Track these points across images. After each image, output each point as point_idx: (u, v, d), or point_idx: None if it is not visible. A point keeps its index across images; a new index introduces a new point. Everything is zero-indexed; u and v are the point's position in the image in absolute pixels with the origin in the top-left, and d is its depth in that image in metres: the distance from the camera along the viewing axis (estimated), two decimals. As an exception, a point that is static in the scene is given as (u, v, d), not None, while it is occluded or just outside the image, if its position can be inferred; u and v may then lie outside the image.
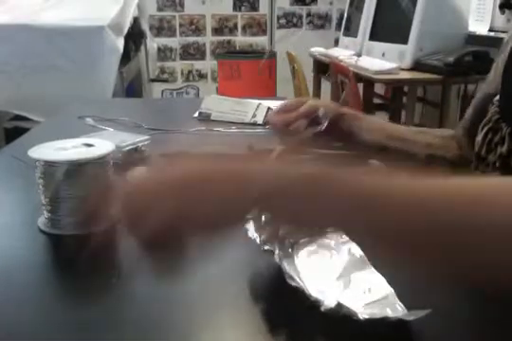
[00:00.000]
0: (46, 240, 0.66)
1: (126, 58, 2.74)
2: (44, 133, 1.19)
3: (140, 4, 3.17)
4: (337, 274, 0.54)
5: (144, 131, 1.10)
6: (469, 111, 0.82)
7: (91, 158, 0.65)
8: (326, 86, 3.41)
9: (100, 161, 0.66)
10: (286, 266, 0.51)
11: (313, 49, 3.52)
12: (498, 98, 0.70)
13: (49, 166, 0.65)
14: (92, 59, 2.48)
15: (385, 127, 0.84)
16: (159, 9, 4.44)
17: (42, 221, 0.68)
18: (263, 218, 0.57)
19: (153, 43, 3.66)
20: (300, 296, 0.47)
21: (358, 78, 2.58)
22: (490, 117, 0.70)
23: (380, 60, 2.74)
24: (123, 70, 2.70)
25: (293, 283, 0.48)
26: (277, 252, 0.52)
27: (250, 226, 0.55)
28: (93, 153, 0.66)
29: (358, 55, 3.05)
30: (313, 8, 4.62)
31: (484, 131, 0.71)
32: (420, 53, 2.55)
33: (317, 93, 3.63)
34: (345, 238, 0.60)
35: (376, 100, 2.88)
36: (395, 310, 0.47)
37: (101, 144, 0.69)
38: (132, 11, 2.88)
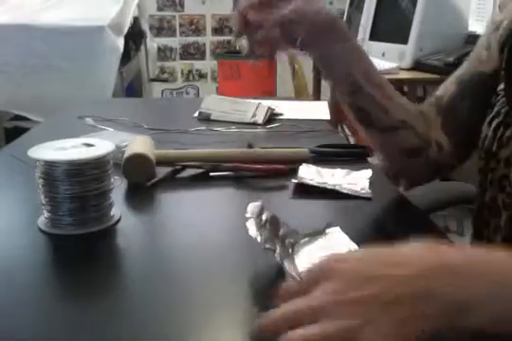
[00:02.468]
0: (46, 240, 0.66)
1: (126, 58, 2.75)
2: (44, 133, 1.19)
3: (140, 4, 3.17)
4: None
5: (144, 131, 1.10)
6: (451, 87, 0.75)
7: (91, 158, 0.65)
8: (326, 86, 3.41)
9: (100, 161, 0.66)
10: (287, 266, 0.51)
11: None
12: (502, 87, 0.66)
13: (49, 166, 0.65)
14: (92, 59, 2.48)
15: (368, 64, 0.74)
16: (159, 9, 4.44)
17: (42, 220, 0.68)
18: (263, 217, 0.57)
19: (153, 43, 3.66)
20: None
21: (358, 78, 2.58)
22: (499, 110, 0.66)
23: (380, 60, 2.74)
24: (123, 70, 2.70)
25: (296, 277, 0.48)
26: (278, 251, 0.52)
27: (251, 225, 0.55)
28: (93, 153, 0.66)
29: (358, 55, 3.05)
30: (313, 8, 4.61)
31: (494, 125, 0.66)
32: (420, 53, 2.55)
33: (317, 93, 3.63)
34: (345, 238, 0.60)
35: (376, 100, 2.88)
36: None
37: (101, 144, 0.69)
38: (132, 11, 2.89)
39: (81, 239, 0.66)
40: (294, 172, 0.84)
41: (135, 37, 2.98)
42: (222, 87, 3.88)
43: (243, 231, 0.54)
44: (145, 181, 0.82)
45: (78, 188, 0.65)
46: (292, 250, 0.58)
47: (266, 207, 0.58)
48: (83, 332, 0.47)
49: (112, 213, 0.70)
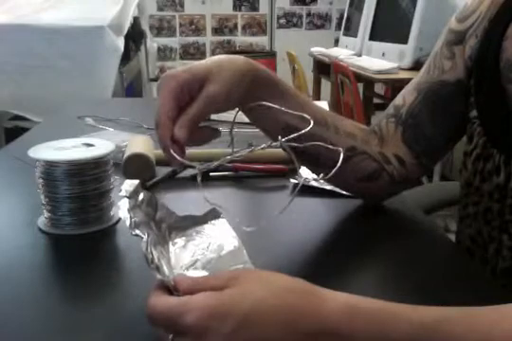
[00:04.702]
0: (46, 240, 0.66)
1: (126, 58, 2.75)
2: (44, 133, 1.19)
3: (140, 4, 3.17)
4: (209, 265, 0.51)
5: (144, 131, 1.10)
6: (410, 96, 0.71)
7: (91, 158, 0.65)
8: (326, 86, 3.41)
9: (100, 161, 0.66)
10: (154, 254, 0.45)
11: (313, 49, 3.52)
12: (475, 115, 0.65)
13: (49, 166, 0.65)
14: (92, 59, 2.48)
15: (301, 104, 0.64)
16: (159, 9, 4.45)
17: (42, 221, 0.68)
18: (140, 196, 0.51)
19: (153, 43, 3.66)
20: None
21: (358, 78, 2.58)
22: (477, 141, 0.65)
23: (380, 59, 2.74)
24: (123, 70, 2.70)
25: (157, 276, 0.43)
26: (145, 239, 0.45)
27: (124, 205, 0.48)
28: (93, 153, 0.66)
29: (358, 55, 3.05)
30: (313, 8, 4.63)
31: (473, 157, 0.65)
32: (420, 53, 2.55)
33: (317, 93, 3.63)
34: (229, 230, 0.55)
35: (376, 100, 2.88)
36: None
37: (101, 144, 0.69)
38: (132, 11, 2.89)
39: (81, 239, 0.66)
40: (294, 172, 0.84)
41: (135, 37, 2.98)
42: (222, 87, 3.87)
43: (242, 230, 0.54)
44: (145, 181, 0.82)
45: (78, 188, 0.65)
46: (169, 235, 0.53)
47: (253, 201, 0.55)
48: (83, 331, 0.47)
49: (112, 213, 0.70)
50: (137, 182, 0.52)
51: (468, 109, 0.66)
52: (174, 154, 0.54)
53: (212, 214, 0.58)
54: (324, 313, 0.37)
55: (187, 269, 0.51)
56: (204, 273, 0.50)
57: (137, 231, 0.46)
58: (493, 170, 0.63)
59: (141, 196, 0.52)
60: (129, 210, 0.47)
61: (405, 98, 0.72)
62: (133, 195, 0.50)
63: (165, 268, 0.46)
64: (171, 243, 0.53)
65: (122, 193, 0.49)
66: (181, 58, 4.53)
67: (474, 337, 0.37)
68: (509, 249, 0.62)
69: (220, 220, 0.57)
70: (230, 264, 0.51)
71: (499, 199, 0.62)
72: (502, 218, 0.62)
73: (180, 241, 0.54)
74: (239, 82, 0.57)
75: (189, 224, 0.56)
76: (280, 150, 0.92)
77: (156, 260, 0.45)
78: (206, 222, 0.57)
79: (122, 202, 0.48)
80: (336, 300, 0.39)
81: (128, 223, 0.46)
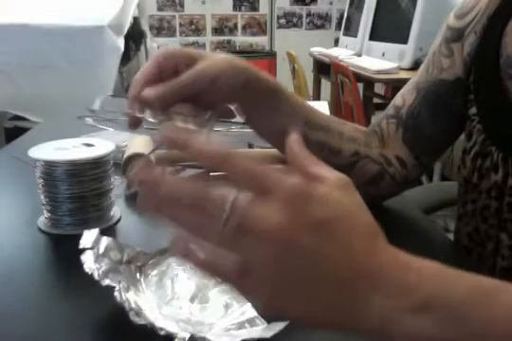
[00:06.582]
0: (46, 239, 0.66)
1: (126, 58, 2.75)
2: (44, 133, 1.19)
3: (140, 4, 3.17)
4: (190, 294, 0.51)
5: (144, 131, 1.10)
6: (409, 96, 0.70)
7: (91, 158, 0.65)
8: (326, 86, 3.41)
9: (100, 161, 0.66)
10: (131, 300, 0.45)
11: (313, 49, 3.52)
12: (474, 112, 0.64)
13: (49, 166, 0.65)
14: (92, 59, 2.48)
15: (305, 111, 0.64)
16: (159, 9, 4.45)
17: (42, 220, 0.68)
18: (101, 245, 0.52)
19: (153, 43, 3.66)
20: (149, 333, 0.44)
21: (358, 78, 2.58)
22: (476, 139, 0.65)
23: (380, 59, 2.74)
24: (123, 70, 2.70)
25: (139, 321, 0.44)
26: (118, 287, 0.46)
27: (88, 258, 0.49)
28: (93, 153, 0.66)
29: (358, 55, 3.05)
30: (313, 8, 4.63)
31: (472, 155, 0.65)
32: (420, 53, 2.55)
33: (317, 93, 3.63)
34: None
35: (376, 100, 2.88)
36: (255, 324, 0.45)
37: (101, 144, 0.69)
38: (132, 11, 2.89)
39: (80, 239, 0.66)
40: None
41: (135, 37, 2.98)
42: (222, 87, 3.87)
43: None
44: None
45: (78, 188, 0.65)
46: (140, 274, 0.53)
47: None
48: (83, 331, 0.47)
49: (112, 213, 0.70)
50: (95, 231, 0.52)
51: (467, 106, 0.66)
52: (129, 110, 0.51)
53: None
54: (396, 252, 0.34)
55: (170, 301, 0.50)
56: (194, 304, 0.50)
57: (108, 281, 0.47)
58: (491, 168, 0.62)
59: (104, 243, 0.52)
60: (95, 261, 0.49)
61: (404, 98, 0.72)
62: (95, 245, 0.51)
63: (145, 312, 0.46)
64: (144, 284, 0.52)
65: (82, 246, 0.50)
66: (181, 58, 4.53)
67: None
68: (509, 248, 0.62)
69: None
70: (211, 286, 0.51)
71: (497, 197, 0.62)
72: (500, 216, 0.62)
73: (154, 279, 0.53)
74: (231, 76, 0.55)
75: (160, 258, 0.55)
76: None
77: (134, 305, 0.45)
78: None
79: (86, 254, 0.50)
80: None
81: (96, 274, 0.48)
